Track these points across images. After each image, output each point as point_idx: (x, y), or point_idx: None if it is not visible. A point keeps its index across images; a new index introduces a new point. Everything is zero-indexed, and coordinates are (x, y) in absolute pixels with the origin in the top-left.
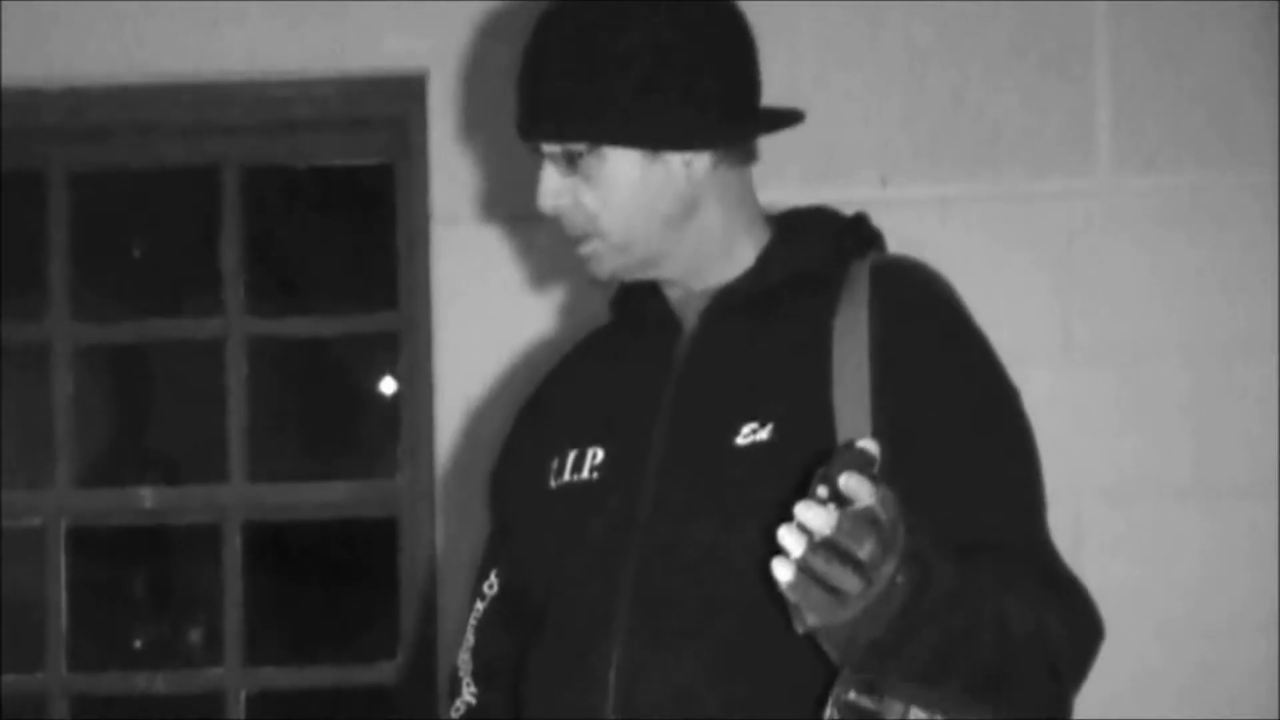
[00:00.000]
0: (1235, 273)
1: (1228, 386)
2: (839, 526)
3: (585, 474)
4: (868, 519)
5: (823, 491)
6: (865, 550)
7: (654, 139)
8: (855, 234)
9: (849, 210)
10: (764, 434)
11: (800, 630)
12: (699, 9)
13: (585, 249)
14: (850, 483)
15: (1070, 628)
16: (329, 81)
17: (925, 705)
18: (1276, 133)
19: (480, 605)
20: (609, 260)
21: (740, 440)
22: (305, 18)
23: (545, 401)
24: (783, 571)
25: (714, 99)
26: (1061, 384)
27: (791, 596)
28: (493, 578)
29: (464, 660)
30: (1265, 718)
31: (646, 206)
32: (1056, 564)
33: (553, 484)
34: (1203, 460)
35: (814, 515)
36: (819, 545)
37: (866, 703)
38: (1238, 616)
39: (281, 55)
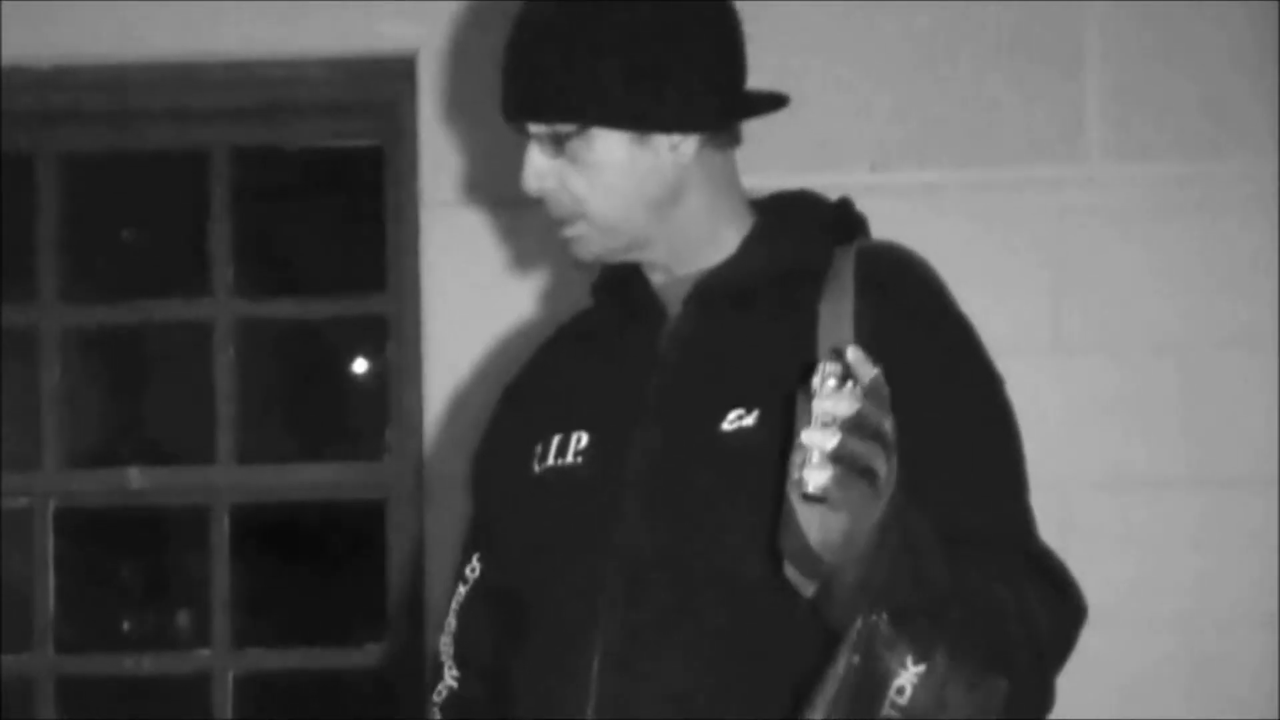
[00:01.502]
0: (1228, 262)
1: (1221, 377)
2: (866, 402)
3: (569, 458)
4: (880, 391)
5: (833, 383)
6: (888, 422)
7: (642, 121)
8: (840, 219)
9: (837, 195)
10: (749, 420)
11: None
12: None
13: (570, 231)
14: (855, 355)
15: (1050, 608)
16: (318, 64)
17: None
18: (1271, 121)
19: (462, 589)
20: (594, 243)
21: (726, 426)
22: (295, 1)
23: (528, 386)
24: (819, 475)
25: (701, 81)
26: (1052, 374)
27: (835, 493)
28: (475, 562)
29: (445, 644)
30: (1265, 715)
31: (633, 189)
32: (1039, 548)
33: (536, 469)
34: (1195, 452)
35: (836, 401)
36: (853, 426)
37: (887, 630)
38: (1233, 610)
39: (271, 38)
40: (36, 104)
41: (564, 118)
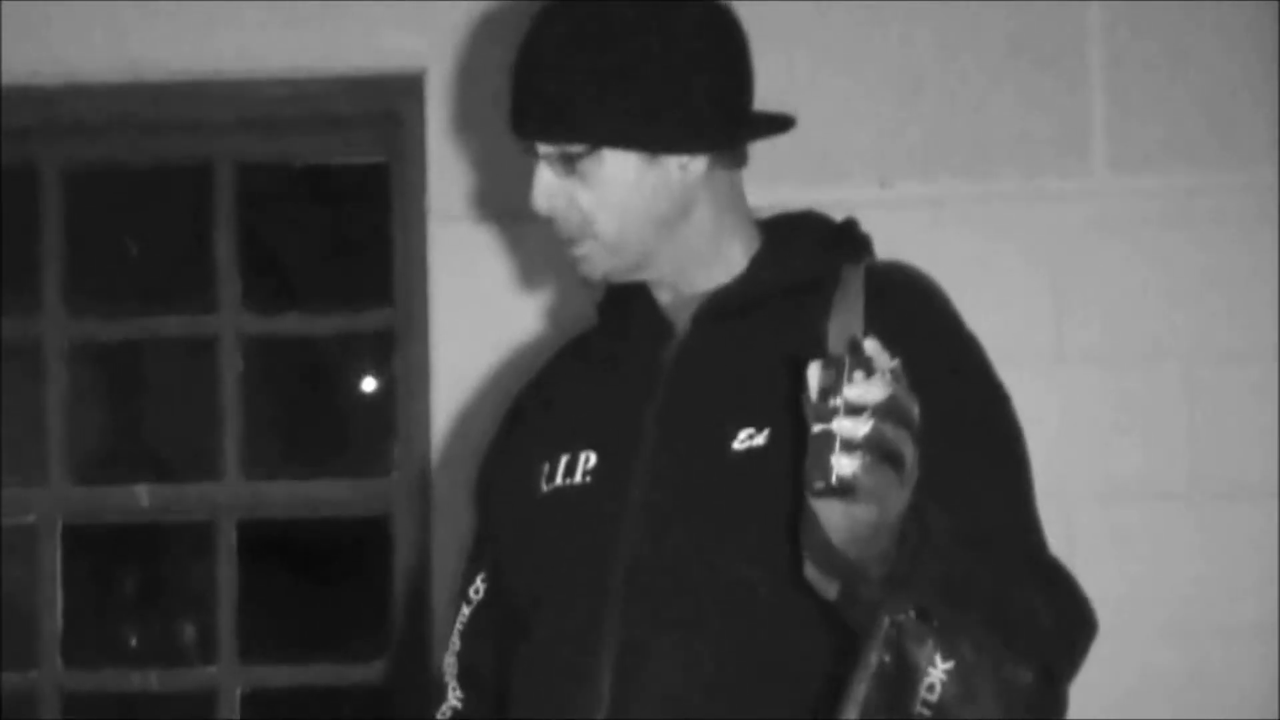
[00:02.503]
0: (1231, 274)
1: (1222, 388)
2: (897, 386)
3: (578, 478)
4: (902, 379)
5: (859, 375)
6: (915, 409)
7: (653, 142)
8: (846, 238)
9: (843, 212)
10: (760, 439)
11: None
12: (695, 11)
13: (579, 250)
14: (874, 345)
15: (1060, 619)
16: (326, 79)
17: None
18: (1273, 132)
19: (466, 609)
20: (602, 261)
21: (737, 445)
22: (302, 14)
23: (533, 404)
24: (847, 462)
25: (712, 102)
26: (1055, 386)
27: (865, 481)
28: (479, 582)
29: (449, 664)
30: None
31: (642, 208)
32: (1051, 561)
33: (544, 488)
34: (1196, 463)
35: (868, 387)
36: (885, 411)
37: (915, 627)
38: (1233, 621)
39: (278, 52)
40: (40, 118)
41: (575, 138)
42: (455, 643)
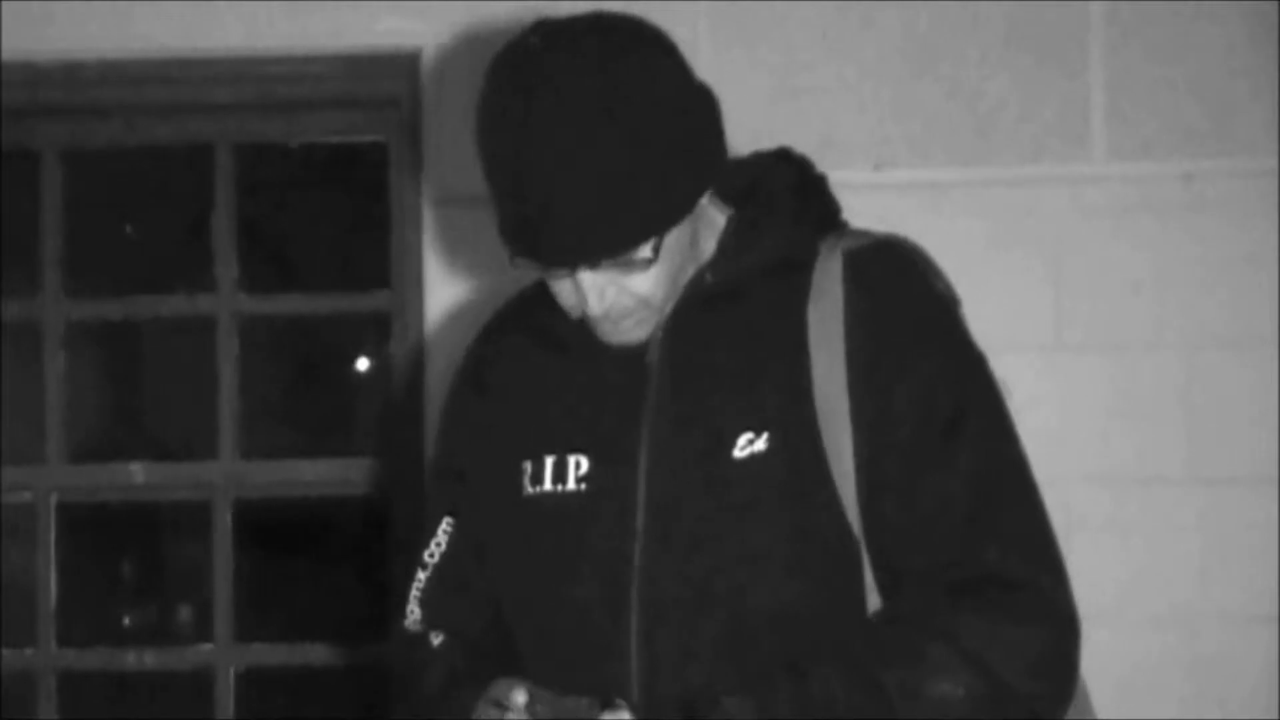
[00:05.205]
0: (1229, 261)
1: (1221, 375)
2: None
3: (571, 485)
4: None
5: None
6: None
7: (697, 196)
8: (814, 202)
9: (840, 197)
10: (761, 444)
11: None
12: (646, 47)
13: (628, 322)
14: None
15: (1015, 664)
16: (323, 59)
17: None
18: (1271, 119)
19: (422, 574)
20: (650, 323)
21: (738, 453)
22: None
23: (495, 380)
24: None
25: (708, 120)
26: (1053, 371)
27: None
28: (433, 546)
29: (414, 619)
30: (1264, 713)
31: (683, 256)
32: (1021, 584)
33: (529, 489)
34: (1195, 450)
35: None
36: None
37: None
38: (1232, 608)
39: (276, 33)
40: (40, 99)
41: (643, 239)
42: (414, 611)
